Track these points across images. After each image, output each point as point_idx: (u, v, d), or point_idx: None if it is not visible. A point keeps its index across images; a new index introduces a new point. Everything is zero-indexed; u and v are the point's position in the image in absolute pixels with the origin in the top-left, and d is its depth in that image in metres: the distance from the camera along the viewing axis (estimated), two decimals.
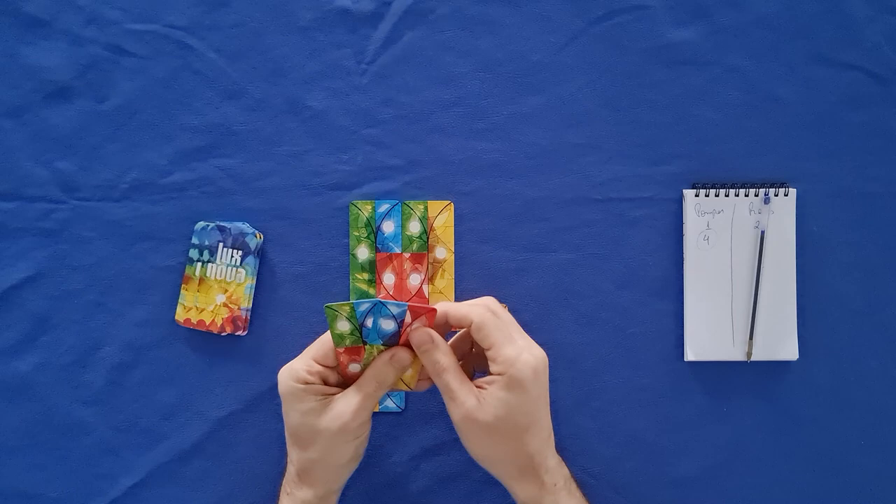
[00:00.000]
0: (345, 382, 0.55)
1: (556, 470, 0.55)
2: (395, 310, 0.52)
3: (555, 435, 0.56)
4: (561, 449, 0.63)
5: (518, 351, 0.52)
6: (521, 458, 0.53)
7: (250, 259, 0.62)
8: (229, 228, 0.62)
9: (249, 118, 0.63)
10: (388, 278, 0.64)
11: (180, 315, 0.63)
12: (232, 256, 0.62)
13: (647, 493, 0.64)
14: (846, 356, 0.64)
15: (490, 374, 0.53)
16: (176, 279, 0.63)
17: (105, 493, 0.63)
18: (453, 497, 0.64)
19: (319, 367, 0.54)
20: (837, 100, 0.64)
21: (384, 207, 0.64)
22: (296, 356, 0.54)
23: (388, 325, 0.52)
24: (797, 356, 0.63)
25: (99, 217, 0.63)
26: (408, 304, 0.52)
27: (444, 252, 0.64)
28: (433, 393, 0.64)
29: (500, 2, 0.63)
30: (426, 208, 0.64)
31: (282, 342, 0.63)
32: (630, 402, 0.64)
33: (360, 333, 0.53)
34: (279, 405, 0.54)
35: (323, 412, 0.52)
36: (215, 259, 0.62)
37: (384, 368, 0.53)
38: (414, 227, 0.64)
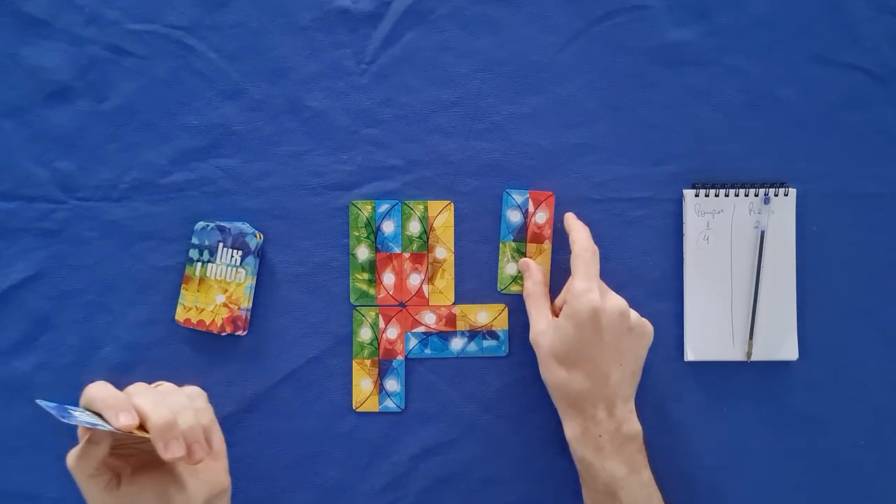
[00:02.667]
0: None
1: (604, 423, 0.57)
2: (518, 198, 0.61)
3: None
4: (561, 449, 0.63)
5: (587, 289, 0.56)
6: (570, 392, 0.57)
7: (250, 259, 0.62)
8: (229, 228, 0.62)
9: (249, 118, 0.63)
10: (388, 278, 0.64)
11: (180, 315, 0.63)
12: (232, 256, 0.62)
13: None
14: (846, 356, 0.64)
15: None
16: (176, 279, 0.63)
17: None
18: (453, 497, 0.64)
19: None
20: (837, 100, 0.64)
21: (384, 207, 0.64)
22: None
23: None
24: (797, 356, 0.63)
25: (99, 217, 0.63)
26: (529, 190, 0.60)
27: (444, 252, 0.64)
28: (433, 393, 0.64)
29: (500, 2, 0.63)
30: (426, 208, 0.64)
31: (282, 342, 0.63)
32: None
33: None
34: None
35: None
36: (215, 259, 0.62)
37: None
38: (414, 227, 0.64)
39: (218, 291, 0.62)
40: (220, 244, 0.62)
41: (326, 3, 0.63)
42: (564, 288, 0.61)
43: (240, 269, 0.62)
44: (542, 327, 0.59)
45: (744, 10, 0.64)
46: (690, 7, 0.64)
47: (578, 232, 0.60)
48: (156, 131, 0.63)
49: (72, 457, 0.51)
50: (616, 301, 0.57)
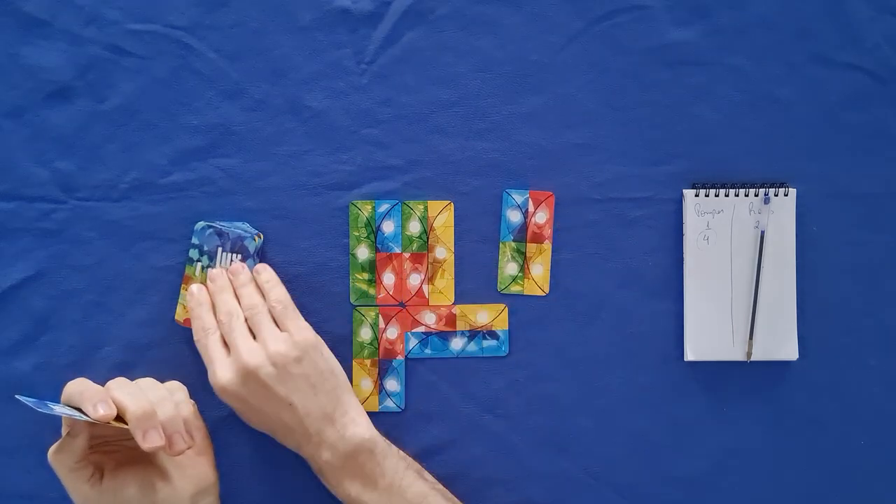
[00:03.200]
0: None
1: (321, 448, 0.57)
2: None
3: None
4: (561, 449, 0.63)
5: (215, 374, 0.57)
6: (277, 428, 0.58)
7: (249, 262, 0.62)
8: (227, 233, 0.62)
9: (249, 118, 0.63)
10: (388, 278, 0.64)
11: (180, 315, 0.62)
12: (231, 261, 0.62)
13: (647, 493, 0.64)
14: (846, 356, 0.64)
15: None
16: (176, 279, 0.63)
17: None
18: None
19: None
20: (837, 100, 0.64)
21: (384, 207, 0.64)
22: None
23: None
24: (797, 356, 0.63)
25: (99, 217, 0.63)
26: None
27: (444, 252, 0.64)
28: (433, 393, 0.64)
29: (500, 2, 0.63)
30: (426, 208, 0.64)
31: None
32: (630, 402, 0.64)
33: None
34: None
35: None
36: (214, 263, 0.62)
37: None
38: (414, 227, 0.64)
39: None
40: (220, 248, 0.62)
41: (326, 3, 0.63)
42: None
43: None
44: (227, 375, 0.56)
45: (744, 10, 0.64)
46: (690, 7, 0.64)
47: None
48: (156, 131, 0.63)
49: (52, 451, 0.52)
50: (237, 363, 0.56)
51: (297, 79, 0.63)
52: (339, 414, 0.57)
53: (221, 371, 0.56)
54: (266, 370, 0.55)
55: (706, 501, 0.64)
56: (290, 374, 0.56)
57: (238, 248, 0.62)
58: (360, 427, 0.57)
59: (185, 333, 0.63)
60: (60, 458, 0.52)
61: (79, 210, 0.63)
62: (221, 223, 0.63)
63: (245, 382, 0.55)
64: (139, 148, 0.63)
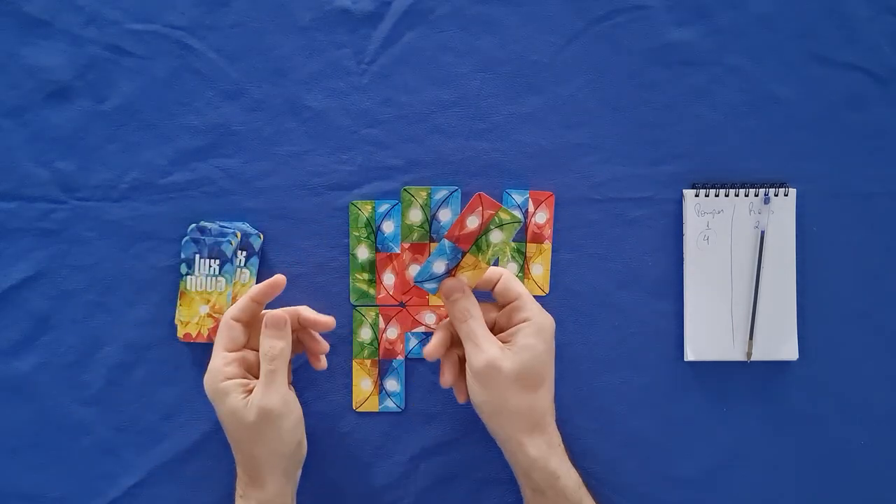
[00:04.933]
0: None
1: (556, 432, 0.56)
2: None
3: (556, 436, 0.57)
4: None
5: (540, 307, 0.55)
6: (535, 413, 0.55)
7: (228, 266, 0.62)
8: (203, 239, 0.62)
9: (249, 118, 0.63)
10: (388, 278, 0.64)
11: (181, 331, 0.62)
12: (210, 266, 0.62)
13: (647, 493, 0.64)
14: (846, 356, 0.64)
15: (512, 326, 0.55)
16: (176, 279, 0.63)
17: (105, 493, 0.63)
18: (453, 497, 0.64)
19: (236, 355, 0.55)
20: (837, 100, 0.64)
21: (384, 207, 0.64)
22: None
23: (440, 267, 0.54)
24: (797, 356, 0.63)
25: (99, 217, 0.63)
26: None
27: None
28: (433, 393, 0.64)
29: (500, 2, 0.63)
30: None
31: None
32: (630, 402, 0.64)
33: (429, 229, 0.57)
34: None
35: (246, 406, 0.53)
36: (193, 271, 0.62)
37: (266, 341, 0.54)
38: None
39: (201, 303, 0.62)
40: (197, 255, 0.62)
41: (326, 3, 0.63)
42: (498, 311, 0.57)
43: (219, 279, 0.62)
44: (497, 350, 0.53)
45: (744, 10, 0.64)
46: (690, 7, 0.64)
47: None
48: (156, 131, 0.63)
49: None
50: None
51: (297, 79, 0.63)
52: None
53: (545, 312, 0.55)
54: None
55: (706, 501, 0.64)
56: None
57: (216, 252, 0.62)
58: None
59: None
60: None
61: (79, 210, 0.63)
62: (222, 223, 0.63)
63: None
64: (139, 148, 0.63)
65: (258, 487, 0.55)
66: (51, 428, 0.63)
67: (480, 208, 0.52)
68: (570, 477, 0.56)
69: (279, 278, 0.57)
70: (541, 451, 0.55)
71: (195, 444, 0.63)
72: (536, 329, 0.54)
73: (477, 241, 0.53)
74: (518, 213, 0.59)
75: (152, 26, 0.63)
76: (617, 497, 0.64)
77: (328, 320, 0.58)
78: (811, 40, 0.64)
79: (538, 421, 0.55)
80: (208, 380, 0.55)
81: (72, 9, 0.63)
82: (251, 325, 0.57)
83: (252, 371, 0.56)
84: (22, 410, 0.63)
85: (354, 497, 0.64)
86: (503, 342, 0.54)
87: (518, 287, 0.56)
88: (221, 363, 0.54)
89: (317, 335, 0.60)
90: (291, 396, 0.55)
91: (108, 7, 0.63)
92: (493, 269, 0.56)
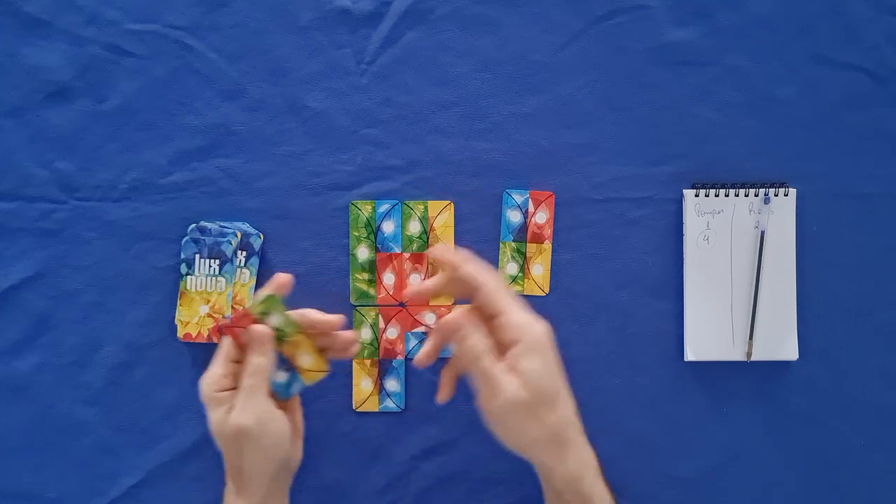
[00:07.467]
0: None
1: (587, 448, 0.53)
2: None
3: (585, 451, 0.55)
4: None
5: (528, 317, 0.50)
6: (559, 430, 0.51)
7: (228, 267, 0.62)
8: (203, 239, 0.62)
9: (249, 118, 0.63)
10: (388, 278, 0.64)
11: (181, 331, 0.62)
12: (210, 266, 0.62)
13: (647, 493, 0.64)
14: (846, 356, 0.64)
15: (505, 345, 0.50)
16: (176, 279, 0.63)
17: (105, 493, 0.63)
18: (453, 497, 0.64)
19: (236, 367, 0.54)
20: (837, 100, 0.64)
21: (384, 207, 0.64)
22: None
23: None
24: (797, 356, 0.63)
25: (99, 217, 0.63)
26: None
27: None
28: (433, 393, 0.64)
29: (500, 2, 0.63)
30: (426, 208, 0.64)
31: None
32: (630, 402, 0.64)
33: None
34: None
35: (225, 422, 0.52)
36: (193, 271, 0.62)
37: (248, 356, 0.53)
38: (414, 227, 0.64)
39: (201, 303, 0.62)
40: (197, 255, 0.62)
41: (326, 3, 0.63)
42: (486, 325, 0.52)
43: (219, 279, 0.62)
44: (513, 389, 0.49)
45: (744, 10, 0.64)
46: (690, 7, 0.64)
47: (477, 268, 0.52)
48: (156, 131, 0.63)
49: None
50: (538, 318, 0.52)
51: (297, 79, 0.63)
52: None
53: (536, 320, 0.51)
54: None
55: (706, 501, 0.64)
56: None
57: (216, 252, 0.62)
58: None
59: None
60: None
61: (79, 210, 0.63)
62: (222, 223, 0.63)
63: (551, 338, 0.52)
64: (139, 148, 0.63)
65: (245, 497, 0.54)
66: (51, 428, 0.63)
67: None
68: (603, 499, 0.53)
69: (282, 276, 0.56)
70: (574, 468, 0.51)
71: (195, 444, 0.63)
72: (530, 348, 0.50)
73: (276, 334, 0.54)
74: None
75: (152, 26, 0.63)
76: (617, 497, 0.64)
77: (335, 319, 0.56)
78: (811, 40, 0.64)
79: (564, 437, 0.51)
80: (204, 385, 0.54)
81: (72, 9, 0.63)
82: None
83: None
84: (22, 410, 0.63)
85: (354, 497, 0.64)
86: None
87: (504, 300, 0.51)
88: (220, 372, 0.54)
89: (332, 333, 0.57)
90: (273, 415, 0.53)
91: (107, 7, 0.63)
92: (469, 278, 0.51)
